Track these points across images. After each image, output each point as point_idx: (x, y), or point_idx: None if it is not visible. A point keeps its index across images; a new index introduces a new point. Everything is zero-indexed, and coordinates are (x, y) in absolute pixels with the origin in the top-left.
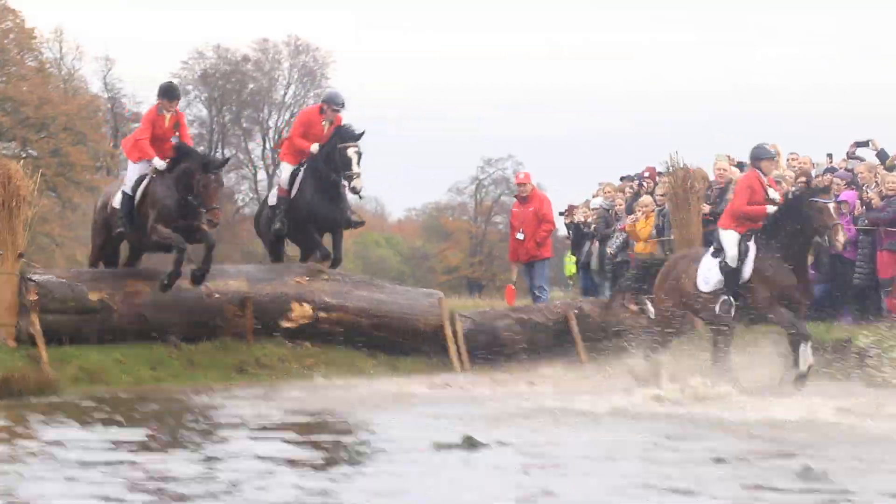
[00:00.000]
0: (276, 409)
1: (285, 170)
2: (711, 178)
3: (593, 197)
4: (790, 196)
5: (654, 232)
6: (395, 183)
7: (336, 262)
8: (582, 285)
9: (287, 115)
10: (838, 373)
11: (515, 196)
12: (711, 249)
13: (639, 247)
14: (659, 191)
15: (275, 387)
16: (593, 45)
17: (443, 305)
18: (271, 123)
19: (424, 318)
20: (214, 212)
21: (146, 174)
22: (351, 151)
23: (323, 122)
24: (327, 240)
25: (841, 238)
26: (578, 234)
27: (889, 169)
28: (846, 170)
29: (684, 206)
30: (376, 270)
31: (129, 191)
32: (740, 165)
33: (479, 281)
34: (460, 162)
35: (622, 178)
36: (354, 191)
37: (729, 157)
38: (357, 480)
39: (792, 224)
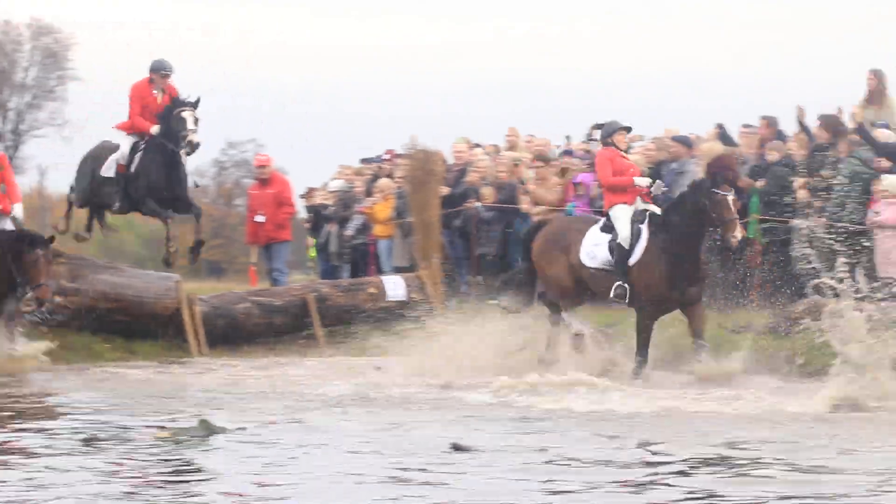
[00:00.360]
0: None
1: (124, 143)
2: (450, 161)
3: (332, 180)
4: (689, 186)
5: (394, 214)
6: None
7: (198, 246)
8: (321, 268)
9: (28, 97)
10: None
11: (255, 178)
12: (602, 223)
13: (378, 229)
14: (398, 173)
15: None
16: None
17: (180, 289)
18: (11, 105)
19: (162, 301)
20: (43, 289)
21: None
22: (186, 113)
23: (154, 92)
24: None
25: (737, 234)
26: (318, 217)
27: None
28: (586, 152)
29: (423, 189)
30: (116, 254)
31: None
32: (477, 146)
33: (220, 264)
34: (202, 145)
35: (362, 161)
36: (190, 145)
37: (468, 140)
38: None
39: (688, 212)
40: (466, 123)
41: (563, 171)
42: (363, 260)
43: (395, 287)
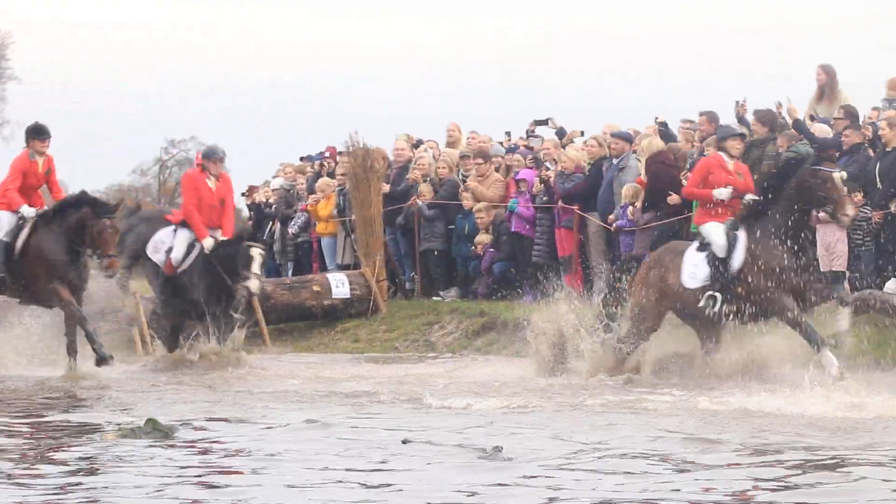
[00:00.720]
0: None
1: (181, 239)
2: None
3: (273, 177)
4: (785, 165)
5: (335, 212)
6: (78, 163)
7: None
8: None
9: None
10: (522, 352)
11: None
12: (696, 244)
13: (320, 227)
14: (339, 170)
15: None
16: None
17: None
18: None
19: (108, 299)
20: (111, 260)
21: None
22: (255, 252)
23: (208, 181)
24: None
25: (850, 212)
26: (260, 215)
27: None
28: (526, 147)
29: (364, 186)
30: None
31: (4, 237)
32: (418, 144)
33: None
34: (143, 143)
35: (302, 159)
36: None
37: (409, 136)
38: None
39: (790, 196)
40: (465, 123)
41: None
42: (306, 258)
43: (339, 284)
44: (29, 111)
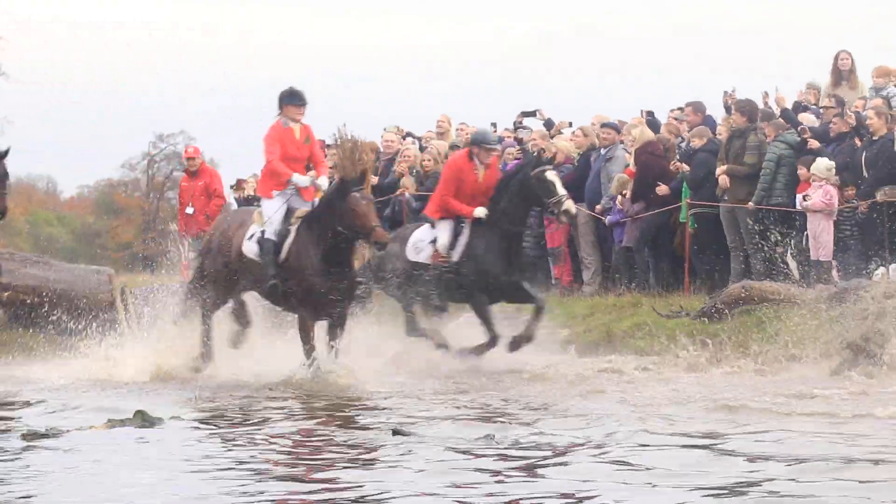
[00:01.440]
0: None
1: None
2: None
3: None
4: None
5: None
6: (67, 160)
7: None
8: None
9: None
10: None
11: (185, 171)
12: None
13: None
14: (328, 163)
15: None
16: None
17: (113, 282)
18: None
19: (94, 294)
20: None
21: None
22: (550, 174)
23: (476, 171)
24: None
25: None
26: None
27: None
28: (515, 139)
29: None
30: (47, 249)
31: (272, 236)
32: (409, 136)
33: (153, 257)
34: (132, 137)
35: None
36: (568, 214)
37: (398, 128)
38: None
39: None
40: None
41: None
42: None
43: None
44: (20, 109)
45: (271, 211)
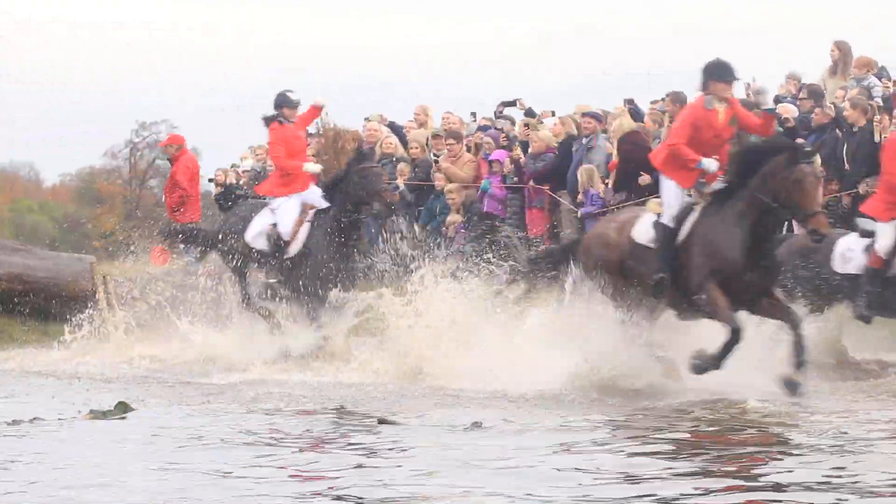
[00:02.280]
0: None
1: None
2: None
3: (242, 159)
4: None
5: None
6: (49, 148)
7: None
8: None
9: None
10: None
11: (168, 159)
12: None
13: None
14: (309, 151)
15: None
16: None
17: (95, 270)
18: None
19: (76, 282)
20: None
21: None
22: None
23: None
24: None
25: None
26: (229, 197)
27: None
28: (496, 129)
29: (335, 167)
30: (30, 237)
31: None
32: (391, 126)
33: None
34: (114, 125)
35: None
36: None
37: (382, 116)
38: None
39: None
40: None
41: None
42: None
43: None
44: (19, 111)
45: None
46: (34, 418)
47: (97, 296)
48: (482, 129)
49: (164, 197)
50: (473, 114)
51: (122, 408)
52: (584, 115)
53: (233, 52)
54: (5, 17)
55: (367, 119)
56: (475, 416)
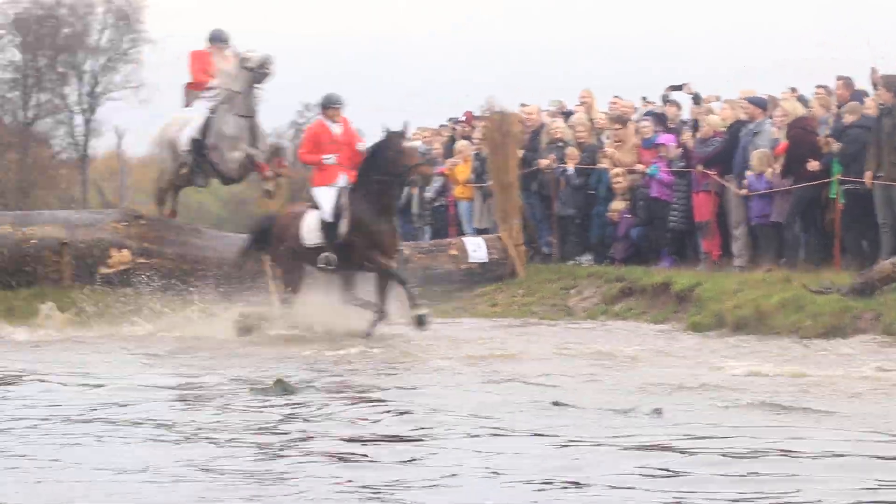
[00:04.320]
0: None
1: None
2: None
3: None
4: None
5: (473, 176)
6: None
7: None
8: (402, 230)
9: (103, 59)
10: (659, 316)
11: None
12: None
13: (457, 190)
14: (476, 135)
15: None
16: None
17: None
18: (87, 68)
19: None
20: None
21: None
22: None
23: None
24: None
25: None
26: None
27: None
28: (661, 113)
29: (501, 151)
30: (195, 216)
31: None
32: (568, 115)
33: None
34: (280, 106)
35: (446, 122)
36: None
37: (561, 102)
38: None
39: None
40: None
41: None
42: (444, 222)
43: (476, 248)
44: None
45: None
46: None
47: (265, 276)
48: (650, 113)
49: None
50: (644, 98)
51: (281, 386)
52: (748, 100)
53: None
54: None
55: (550, 102)
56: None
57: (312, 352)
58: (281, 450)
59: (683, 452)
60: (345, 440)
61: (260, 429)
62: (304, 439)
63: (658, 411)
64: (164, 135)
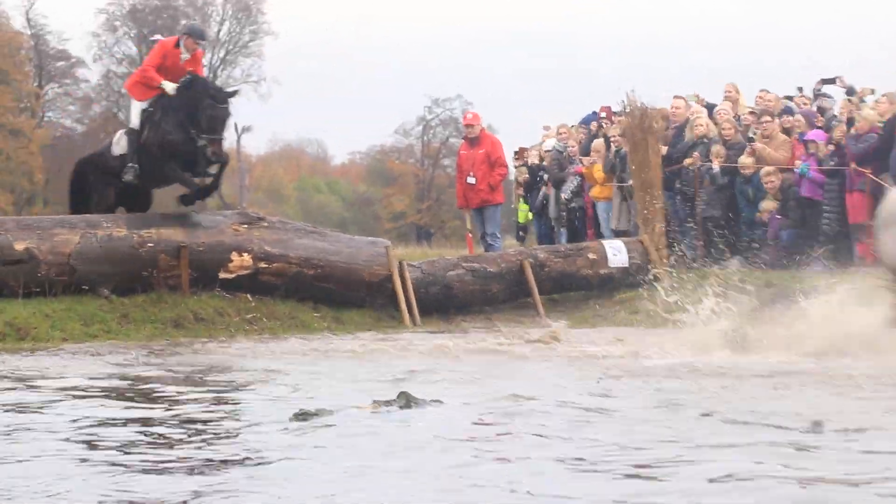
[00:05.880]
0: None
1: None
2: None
3: (545, 139)
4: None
5: (612, 175)
6: (337, 125)
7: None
8: (537, 232)
9: (222, 53)
10: None
11: (464, 138)
12: None
13: (595, 191)
14: (614, 131)
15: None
16: None
17: (390, 254)
18: (205, 61)
19: (370, 268)
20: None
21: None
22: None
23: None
24: None
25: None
26: (533, 179)
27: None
28: (817, 108)
29: (642, 147)
30: (318, 217)
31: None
32: (710, 108)
33: (428, 228)
34: (406, 102)
35: (581, 123)
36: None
37: (698, 97)
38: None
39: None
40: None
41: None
42: (581, 223)
43: (616, 252)
44: (287, 68)
45: None
46: (320, 409)
47: (391, 281)
48: (788, 110)
49: (469, 176)
50: (800, 88)
51: (405, 398)
52: None
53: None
54: None
55: (681, 97)
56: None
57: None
58: None
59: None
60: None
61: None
62: None
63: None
64: None
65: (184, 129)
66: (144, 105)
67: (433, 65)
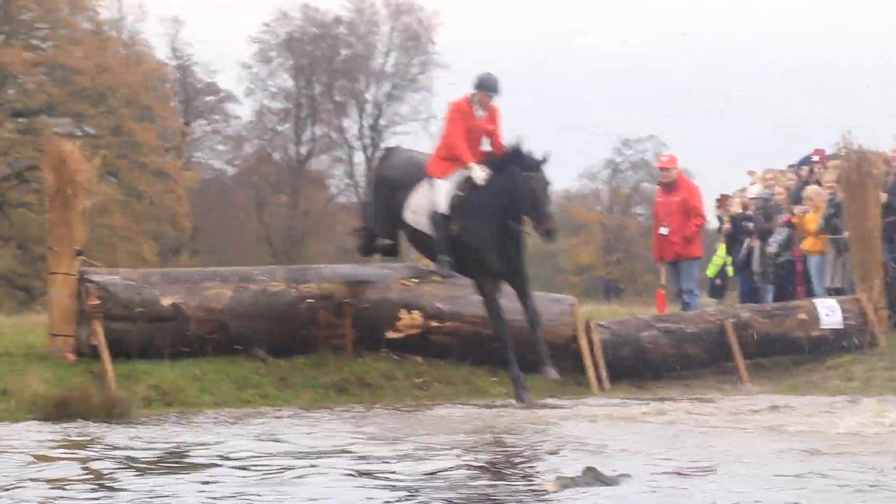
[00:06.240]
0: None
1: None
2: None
3: (750, 185)
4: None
5: (826, 226)
6: None
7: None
8: (740, 289)
9: (388, 87)
10: None
11: (658, 183)
12: None
13: (807, 243)
14: (828, 177)
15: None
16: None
17: (576, 313)
18: (369, 96)
19: (554, 327)
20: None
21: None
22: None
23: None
24: None
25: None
26: (736, 230)
27: None
28: None
29: (860, 195)
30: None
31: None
32: None
33: (617, 283)
34: (593, 143)
35: (790, 167)
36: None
37: None
38: None
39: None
40: None
41: None
42: (790, 280)
43: (829, 312)
44: None
45: None
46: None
47: (578, 342)
48: None
49: (662, 227)
50: None
51: (592, 474)
52: None
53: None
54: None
55: None
56: None
57: None
58: None
59: None
60: None
61: None
62: None
63: None
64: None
65: (503, 217)
66: (449, 185)
67: (620, 101)
